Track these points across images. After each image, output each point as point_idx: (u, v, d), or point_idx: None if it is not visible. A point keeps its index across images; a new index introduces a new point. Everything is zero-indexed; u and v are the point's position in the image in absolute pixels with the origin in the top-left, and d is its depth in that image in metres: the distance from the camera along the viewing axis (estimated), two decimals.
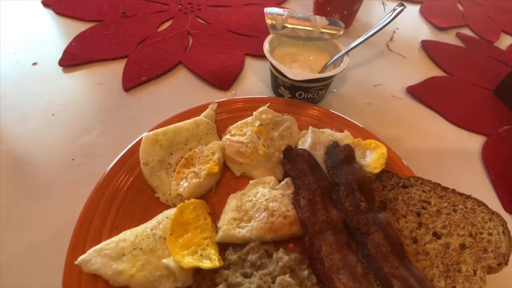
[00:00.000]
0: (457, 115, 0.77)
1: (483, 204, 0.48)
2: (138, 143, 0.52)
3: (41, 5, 0.91)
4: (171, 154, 0.53)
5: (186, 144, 0.54)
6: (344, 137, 0.58)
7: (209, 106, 0.60)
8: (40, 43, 0.78)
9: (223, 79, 0.74)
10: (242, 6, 1.00)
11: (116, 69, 0.74)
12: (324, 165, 0.55)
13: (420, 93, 0.80)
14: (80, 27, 0.84)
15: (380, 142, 0.58)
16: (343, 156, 0.53)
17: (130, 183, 0.48)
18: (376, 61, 0.90)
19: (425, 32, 1.07)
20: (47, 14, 0.88)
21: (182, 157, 0.52)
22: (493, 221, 0.46)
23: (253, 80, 0.77)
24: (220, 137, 0.58)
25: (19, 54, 0.74)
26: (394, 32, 1.01)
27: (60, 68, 0.72)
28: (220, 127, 0.59)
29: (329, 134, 0.58)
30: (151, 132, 0.53)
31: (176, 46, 0.81)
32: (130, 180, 0.49)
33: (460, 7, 1.23)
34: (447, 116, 0.76)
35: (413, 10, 1.16)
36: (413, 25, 1.09)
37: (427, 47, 0.97)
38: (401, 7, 0.64)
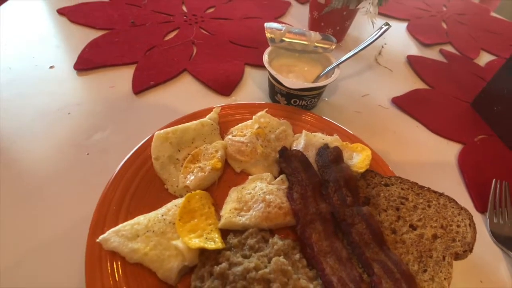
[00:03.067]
0: (437, 124, 0.84)
1: (454, 200, 0.55)
2: (150, 140, 0.58)
3: (57, 13, 0.97)
4: (179, 150, 0.58)
5: (192, 143, 0.60)
6: (334, 141, 0.65)
7: (214, 109, 0.66)
8: (56, 48, 0.84)
9: (225, 85, 0.81)
10: (243, 19, 1.08)
11: (126, 73, 0.80)
12: (315, 164, 0.61)
13: (404, 103, 0.88)
14: (92, 34, 0.90)
15: (365, 146, 0.64)
16: (332, 157, 0.60)
17: (142, 174, 0.54)
18: (365, 74, 0.97)
19: (411, 48, 1.15)
20: (62, 22, 0.94)
21: (189, 154, 0.58)
22: (462, 215, 0.53)
23: (252, 88, 0.84)
24: (223, 138, 0.64)
25: (37, 58, 0.80)
26: (382, 47, 1.10)
27: (75, 72, 0.78)
28: (223, 128, 0.66)
29: (321, 137, 0.65)
30: (162, 131, 0.59)
31: (182, 54, 0.88)
32: (142, 172, 0.54)
33: (444, 26, 1.32)
34: (428, 125, 0.84)
35: (400, 27, 1.25)
36: (400, 41, 1.18)
37: (413, 61, 1.05)
38: (387, 26, 0.71)
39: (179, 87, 0.80)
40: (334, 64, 0.75)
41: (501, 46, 1.26)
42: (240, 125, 0.66)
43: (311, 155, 0.62)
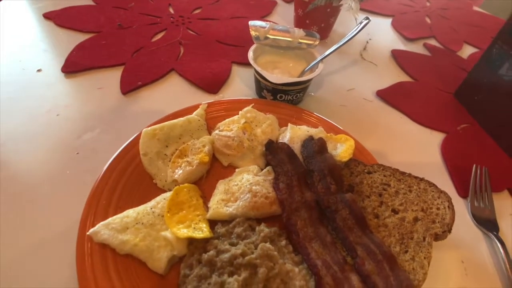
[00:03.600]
0: (421, 115, 0.87)
1: (434, 185, 0.57)
2: (138, 137, 0.59)
3: (43, 17, 0.97)
4: (167, 146, 0.60)
5: (180, 138, 0.62)
6: (318, 132, 0.66)
7: (200, 106, 0.67)
8: (43, 52, 0.85)
9: (212, 84, 0.83)
10: (229, 19, 1.10)
11: (114, 75, 0.81)
12: (301, 155, 0.63)
13: (388, 96, 0.90)
14: (79, 37, 0.91)
15: (349, 137, 0.66)
16: (316, 148, 0.62)
17: (131, 170, 0.56)
18: (350, 68, 1.00)
19: (396, 42, 1.18)
20: (49, 26, 0.95)
21: (176, 149, 0.60)
22: (441, 198, 0.55)
23: (239, 85, 0.85)
24: (210, 133, 0.66)
25: (24, 62, 0.81)
26: (367, 42, 1.12)
27: (63, 75, 0.79)
28: (210, 124, 0.67)
29: (306, 130, 0.67)
30: (149, 128, 0.60)
31: (169, 55, 0.90)
32: (131, 168, 0.56)
33: (428, 20, 1.36)
34: (411, 116, 0.86)
35: (385, 23, 1.28)
36: (385, 37, 1.21)
37: (397, 56, 1.08)
38: (367, 21, 0.74)
39: (167, 86, 0.81)
40: (318, 59, 0.77)
41: (483, 38, 1.29)
42: (227, 120, 0.67)
43: (296, 147, 0.64)
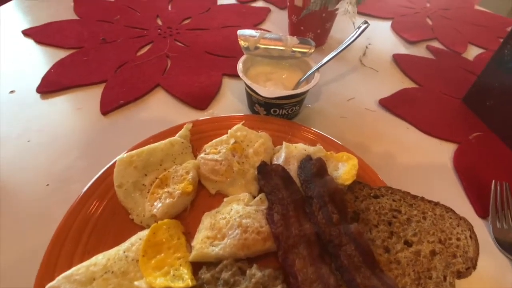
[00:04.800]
0: (429, 124, 0.79)
1: (451, 210, 0.50)
2: (112, 166, 0.53)
3: (21, 34, 0.92)
4: (146, 175, 0.53)
5: (161, 165, 0.55)
6: (317, 151, 0.59)
7: (184, 126, 0.61)
8: (19, 72, 0.79)
9: (201, 99, 0.76)
10: (220, 29, 1.04)
11: (95, 94, 0.75)
12: (298, 178, 0.56)
13: (392, 104, 0.83)
14: (60, 54, 0.85)
15: (351, 154, 0.59)
16: (315, 170, 0.55)
17: (104, 206, 0.49)
18: (349, 76, 0.93)
19: (397, 46, 1.11)
20: (27, 43, 0.89)
21: (156, 178, 0.53)
22: (461, 226, 0.48)
23: (230, 99, 0.79)
24: (196, 156, 0.59)
25: None
26: (367, 47, 1.06)
27: (38, 95, 0.73)
28: (196, 146, 0.60)
29: (302, 149, 0.60)
30: (125, 154, 0.53)
31: (155, 69, 0.83)
32: (103, 203, 0.49)
33: (429, 21, 1.29)
34: (418, 125, 0.79)
35: (384, 26, 1.22)
36: (385, 40, 1.14)
37: (399, 60, 1.01)
38: (365, 25, 0.67)
39: (152, 104, 0.75)
40: (314, 69, 0.70)
41: (488, 38, 1.22)
42: (214, 141, 0.60)
43: (293, 169, 0.57)
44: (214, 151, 0.58)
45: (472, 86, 0.86)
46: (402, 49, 1.10)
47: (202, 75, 0.83)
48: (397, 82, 0.93)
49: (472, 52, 1.13)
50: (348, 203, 0.53)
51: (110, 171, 0.52)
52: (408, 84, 0.93)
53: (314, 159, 0.57)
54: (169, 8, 1.13)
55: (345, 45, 0.68)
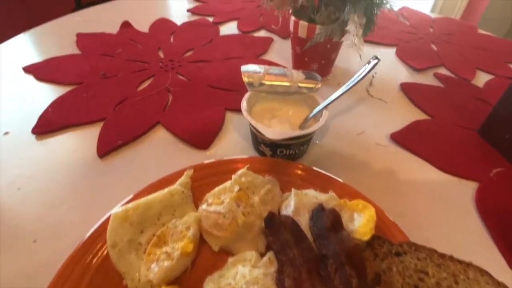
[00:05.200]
0: (445, 160, 0.75)
1: (487, 273, 0.44)
2: (105, 222, 0.48)
3: (22, 71, 0.90)
4: (142, 232, 0.48)
5: (159, 219, 0.50)
6: (329, 199, 0.55)
7: (185, 173, 0.56)
8: (17, 111, 0.77)
9: (203, 137, 0.72)
10: (223, 61, 1.02)
11: (92, 133, 0.71)
12: (310, 232, 0.51)
13: (404, 139, 0.79)
14: (60, 91, 0.83)
15: (367, 203, 0.54)
16: (329, 223, 0.50)
17: (93, 270, 0.43)
18: (357, 108, 0.89)
19: (404, 74, 1.08)
20: (28, 80, 0.87)
21: (154, 235, 0.48)
22: None
23: (234, 137, 0.75)
24: (197, 206, 0.54)
25: None
26: (373, 76, 1.03)
27: (33, 136, 0.70)
28: (197, 194, 0.56)
29: (313, 196, 0.55)
30: (120, 209, 0.49)
31: (155, 105, 0.80)
32: (94, 266, 0.44)
33: (434, 47, 1.27)
34: (434, 162, 0.74)
35: (389, 54, 1.20)
36: (391, 68, 1.12)
37: (407, 89, 0.98)
38: (376, 61, 0.64)
39: (151, 144, 0.71)
40: (321, 106, 0.66)
41: (495, 63, 1.20)
42: (217, 189, 0.56)
43: (303, 221, 0.52)
44: (217, 201, 0.53)
45: (488, 117, 0.82)
46: (409, 77, 1.07)
47: (205, 111, 0.80)
48: (407, 113, 0.89)
49: (481, 79, 1.10)
50: (367, 261, 0.47)
51: (103, 227, 0.47)
52: (418, 115, 0.89)
53: (327, 211, 0.52)
54: (171, 40, 1.12)
55: (354, 82, 0.65)
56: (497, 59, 1.23)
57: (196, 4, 1.42)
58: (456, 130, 0.85)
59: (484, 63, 1.18)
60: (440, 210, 0.64)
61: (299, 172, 0.61)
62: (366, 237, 0.49)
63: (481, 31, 1.46)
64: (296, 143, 0.64)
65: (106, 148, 0.68)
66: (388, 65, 1.12)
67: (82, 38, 1.06)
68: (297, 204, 0.54)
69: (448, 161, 0.75)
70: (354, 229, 0.51)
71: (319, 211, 0.52)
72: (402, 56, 1.17)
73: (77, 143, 0.69)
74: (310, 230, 0.51)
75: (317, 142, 0.76)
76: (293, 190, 0.56)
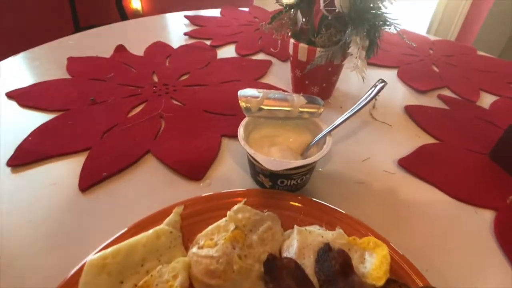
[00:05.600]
0: (458, 187, 0.69)
1: None
2: (79, 271, 0.41)
3: (5, 97, 0.86)
4: (122, 282, 0.41)
5: (142, 265, 0.44)
6: (337, 237, 0.48)
7: (174, 210, 0.50)
8: None
9: (196, 167, 0.67)
10: (219, 84, 0.98)
11: (76, 164, 0.66)
12: (315, 277, 0.44)
13: (413, 165, 0.74)
14: (43, 119, 0.78)
15: (379, 240, 0.48)
16: (338, 266, 0.43)
17: None
18: (361, 133, 0.84)
19: (407, 96, 1.05)
20: (10, 107, 0.82)
21: (136, 285, 0.41)
22: None
23: (231, 165, 0.70)
24: (187, 248, 0.48)
25: None
26: (376, 99, 0.97)
27: (9, 169, 0.64)
28: (187, 234, 0.49)
29: (319, 234, 0.49)
30: (96, 255, 0.42)
31: (146, 132, 0.75)
32: None
33: (436, 69, 1.25)
34: (446, 190, 0.68)
35: (391, 75, 1.17)
36: (393, 91, 1.08)
37: (411, 112, 0.94)
38: (382, 84, 0.60)
39: (139, 176, 0.65)
40: (325, 132, 0.62)
41: (499, 84, 1.17)
42: (209, 228, 0.49)
43: (308, 263, 0.46)
44: (210, 243, 0.47)
45: (499, 141, 0.77)
46: (412, 99, 1.03)
47: (199, 138, 0.75)
48: (413, 137, 0.85)
49: (486, 100, 1.07)
50: None
51: (74, 278, 0.41)
52: (425, 138, 0.84)
53: (335, 252, 0.45)
54: (167, 63, 1.09)
55: (360, 106, 0.60)
56: (500, 80, 1.20)
57: (194, 27, 1.40)
58: (465, 154, 0.80)
59: (488, 84, 1.16)
60: (457, 244, 0.58)
61: (302, 205, 0.55)
62: (380, 282, 0.42)
63: (480, 53, 1.45)
64: (298, 173, 0.58)
65: (89, 181, 0.62)
66: (390, 88, 1.08)
67: (72, 62, 1.02)
68: (300, 244, 0.47)
69: (461, 188, 0.69)
70: (366, 273, 0.44)
71: (325, 252, 0.46)
72: (404, 78, 1.14)
73: (57, 176, 0.63)
74: (316, 275, 0.44)
75: (320, 169, 0.70)
76: (295, 227, 0.50)
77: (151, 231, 0.46)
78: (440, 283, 0.45)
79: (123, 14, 3.02)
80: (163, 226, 0.48)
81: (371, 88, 0.61)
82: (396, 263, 0.47)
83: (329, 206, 0.54)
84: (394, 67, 1.23)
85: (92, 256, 0.42)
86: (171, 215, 0.49)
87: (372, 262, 0.46)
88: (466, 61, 1.34)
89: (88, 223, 0.55)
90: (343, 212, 0.53)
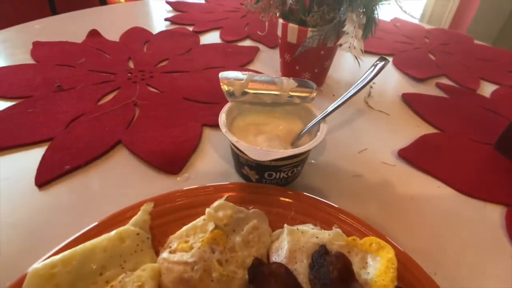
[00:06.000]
0: (464, 180, 0.63)
1: None
2: (20, 282, 0.33)
3: None
4: None
5: (101, 274, 0.36)
6: (334, 238, 0.41)
7: (142, 207, 0.42)
8: None
9: (173, 160, 0.59)
10: (201, 71, 0.90)
11: (34, 157, 0.57)
12: (310, 285, 0.37)
13: (414, 156, 0.67)
14: (0, 106, 0.68)
15: (383, 241, 0.41)
16: (336, 273, 0.36)
17: None
18: (356, 122, 0.78)
19: (404, 84, 0.99)
20: None
21: None
22: None
23: (212, 158, 0.62)
24: (157, 253, 0.40)
25: None
26: (371, 87, 0.92)
27: None
28: (158, 236, 0.41)
29: (313, 235, 0.41)
30: (41, 264, 0.34)
31: (117, 121, 0.67)
32: None
33: (432, 57, 1.19)
34: (451, 183, 0.62)
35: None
36: (389, 78, 1.02)
37: (409, 100, 0.88)
38: (383, 62, 0.53)
39: (108, 169, 0.57)
40: (318, 118, 0.54)
41: (498, 73, 1.12)
42: (185, 228, 0.42)
43: (301, 269, 0.38)
44: (184, 246, 0.39)
45: (505, 131, 0.71)
46: (409, 87, 0.97)
47: (177, 127, 0.67)
48: (412, 127, 0.78)
49: (486, 89, 1.02)
50: None
51: None
52: (425, 128, 0.78)
53: (333, 255, 0.38)
54: (144, 49, 1.00)
55: (359, 87, 0.53)
56: (500, 69, 1.16)
57: (176, 13, 1.31)
58: (470, 145, 0.74)
59: (487, 72, 1.11)
60: (466, 242, 0.51)
61: (293, 201, 0.47)
62: None
63: (477, 41, 1.40)
64: (288, 165, 0.51)
65: (49, 175, 0.53)
66: (386, 75, 1.02)
67: (38, 47, 0.92)
68: (291, 246, 0.40)
69: (467, 182, 0.63)
70: (369, 280, 0.38)
71: (321, 255, 0.39)
72: (401, 66, 1.08)
73: (12, 170, 0.55)
74: (311, 283, 0.37)
75: (313, 161, 0.63)
76: (285, 226, 0.42)
77: (113, 232, 0.39)
78: (449, 284, 0.39)
79: (104, 2, 2.88)
80: (128, 227, 0.40)
81: (370, 68, 0.54)
82: (402, 266, 0.40)
83: (324, 202, 0.47)
84: (388, 54, 1.17)
85: (36, 265, 0.34)
86: (139, 214, 0.42)
87: (376, 267, 0.39)
88: (463, 49, 1.29)
89: (43, 224, 0.47)
90: (340, 208, 0.46)
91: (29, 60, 0.87)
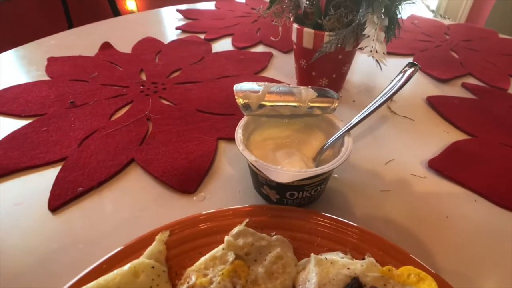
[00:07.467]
0: (502, 192, 0.57)
1: None
2: None
3: None
4: None
5: None
6: (367, 268, 0.37)
7: (156, 237, 0.40)
8: None
9: (188, 178, 0.56)
10: (215, 80, 0.87)
11: (47, 179, 0.55)
12: None
13: (446, 166, 0.62)
14: (15, 126, 0.68)
15: (423, 271, 0.37)
16: None
17: None
18: (379, 129, 0.73)
19: (427, 86, 0.93)
20: None
21: None
22: None
23: (229, 174, 0.59)
24: (175, 287, 0.37)
25: None
26: None
27: None
28: (175, 268, 0.38)
29: (343, 265, 0.37)
30: None
31: (130, 137, 0.65)
32: None
33: (455, 55, 1.12)
34: (490, 196, 0.57)
35: (406, 63, 1.04)
36: (411, 80, 0.95)
37: (435, 104, 0.82)
38: (412, 68, 0.49)
39: (121, 189, 0.55)
40: (342, 131, 0.50)
41: None
42: (203, 259, 0.39)
43: None
44: (203, 281, 0.36)
45: None
46: (433, 89, 0.91)
47: (191, 142, 0.64)
48: (441, 133, 0.73)
49: None
50: None
51: None
52: (455, 134, 0.73)
53: None
54: (156, 60, 0.98)
55: (386, 97, 0.49)
56: None
57: (187, 21, 1.30)
58: (506, 151, 0.68)
59: None
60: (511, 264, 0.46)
61: (319, 225, 0.44)
62: None
63: (502, 36, 1.32)
64: (312, 184, 0.47)
65: (62, 198, 0.52)
66: None
67: (52, 63, 0.92)
68: (320, 279, 0.36)
69: (509, 194, 0.57)
70: None
71: None
72: (422, 66, 1.02)
73: (23, 193, 0.53)
74: None
75: (336, 176, 0.59)
76: (312, 256, 0.39)
77: (126, 266, 0.36)
78: None
79: (117, 13, 2.92)
80: (142, 260, 0.37)
81: (398, 75, 0.50)
82: None
83: (354, 226, 0.43)
84: (408, 54, 1.11)
85: None
86: (154, 244, 0.39)
87: None
88: (488, 45, 1.21)
89: (57, 252, 0.45)
90: (373, 233, 0.42)
91: (44, 76, 0.87)
